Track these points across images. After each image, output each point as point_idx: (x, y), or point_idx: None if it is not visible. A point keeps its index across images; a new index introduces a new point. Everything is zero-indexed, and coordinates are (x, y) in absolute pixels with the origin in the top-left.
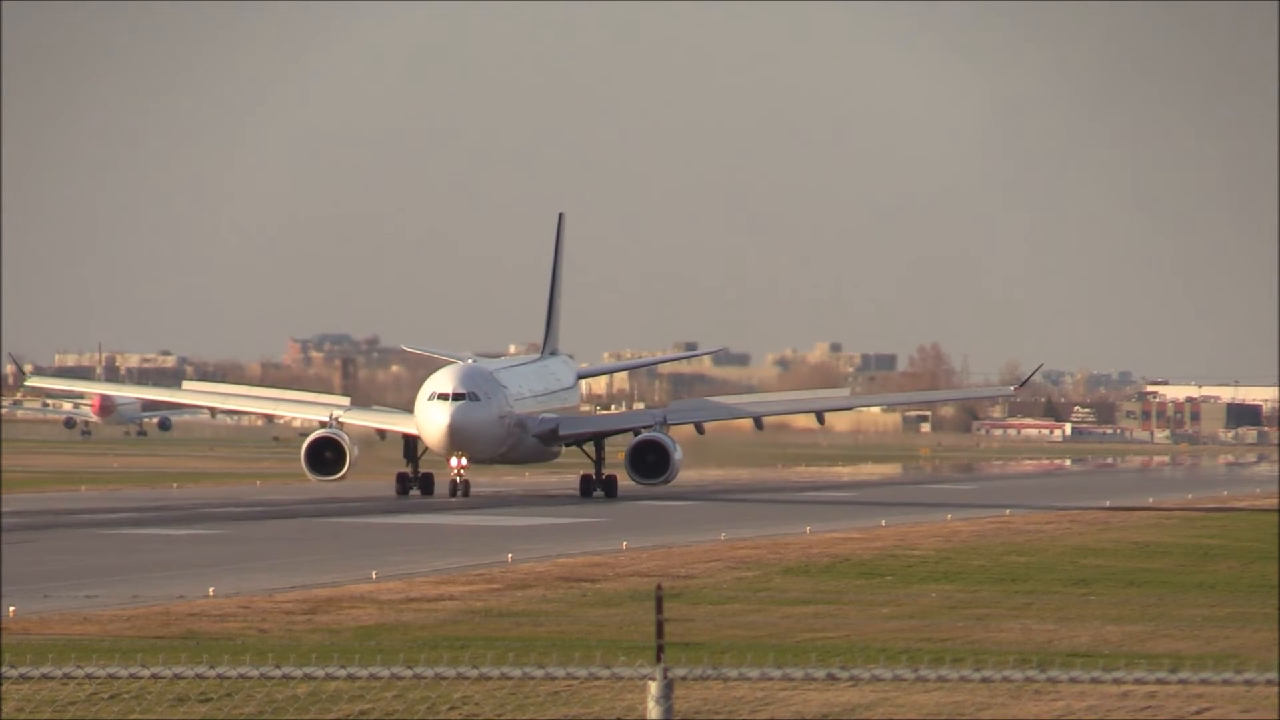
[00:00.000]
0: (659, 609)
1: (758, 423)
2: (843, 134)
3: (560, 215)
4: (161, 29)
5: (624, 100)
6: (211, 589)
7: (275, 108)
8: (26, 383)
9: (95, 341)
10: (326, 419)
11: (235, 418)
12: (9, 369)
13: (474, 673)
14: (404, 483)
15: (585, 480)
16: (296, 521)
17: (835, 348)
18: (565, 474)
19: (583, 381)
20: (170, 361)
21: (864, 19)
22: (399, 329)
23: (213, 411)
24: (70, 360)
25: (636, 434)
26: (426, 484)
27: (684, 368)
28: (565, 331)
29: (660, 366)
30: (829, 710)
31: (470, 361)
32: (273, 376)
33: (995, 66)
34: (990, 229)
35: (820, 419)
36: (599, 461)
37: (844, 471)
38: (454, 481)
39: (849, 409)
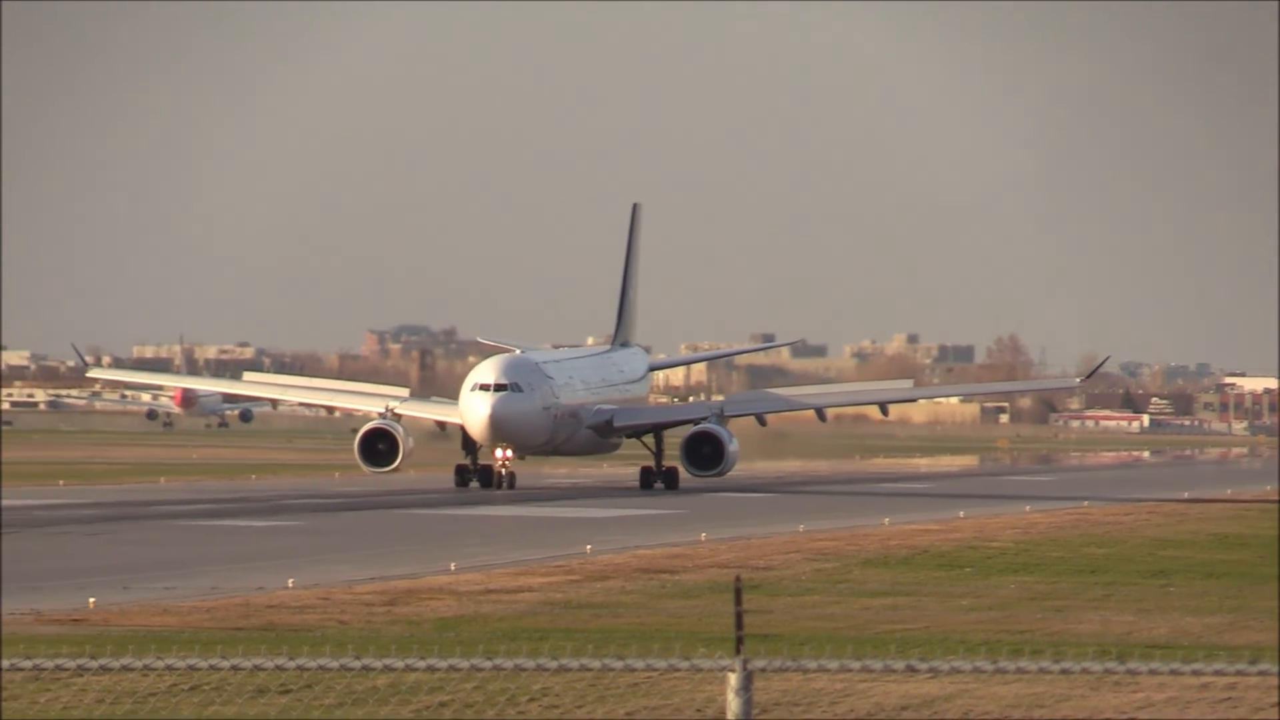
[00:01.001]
0: (738, 600)
1: (820, 414)
2: (921, 126)
3: (635, 206)
4: (224, 23)
5: (702, 92)
6: (291, 580)
7: (357, 98)
8: (88, 374)
9: (176, 333)
10: (383, 410)
11: (313, 410)
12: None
13: (553, 664)
14: (462, 475)
15: (645, 472)
16: (375, 513)
17: (913, 339)
18: (629, 466)
19: (659, 373)
20: (248, 353)
21: (933, 14)
22: (477, 320)
23: (274, 403)
24: (148, 352)
25: (695, 425)
26: (485, 476)
27: (761, 359)
28: (643, 323)
29: (738, 358)
30: (908, 702)
31: (518, 352)
32: (350, 368)
33: (1072, 56)
34: (1071, 221)
35: (884, 411)
36: (658, 453)
37: (922, 463)
38: (498, 473)
39: (911, 400)
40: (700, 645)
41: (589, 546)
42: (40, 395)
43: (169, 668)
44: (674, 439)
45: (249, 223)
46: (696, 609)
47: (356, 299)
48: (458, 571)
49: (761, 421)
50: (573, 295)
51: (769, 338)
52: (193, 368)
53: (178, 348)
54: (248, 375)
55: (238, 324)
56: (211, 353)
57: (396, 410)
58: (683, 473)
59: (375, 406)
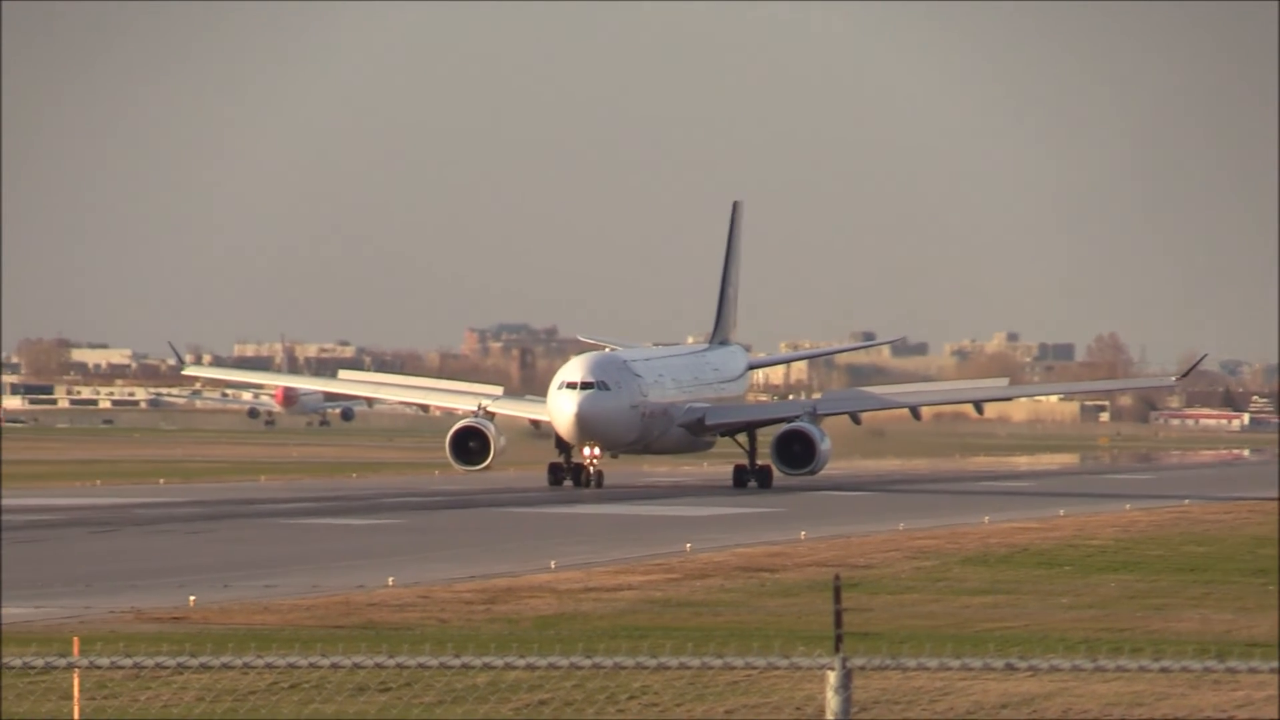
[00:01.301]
0: (837, 599)
1: (915, 413)
2: (1021, 123)
3: (735, 204)
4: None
5: (803, 90)
6: (391, 579)
7: (459, 98)
8: (183, 372)
9: (278, 332)
10: (475, 408)
11: (413, 408)
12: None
13: (653, 662)
14: (556, 473)
15: (739, 470)
16: (475, 511)
17: (1013, 337)
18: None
19: (760, 372)
20: (349, 352)
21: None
22: (578, 319)
23: (369, 401)
24: (249, 350)
25: (787, 424)
26: (579, 475)
27: (861, 358)
28: (743, 321)
29: (838, 357)
30: (1007, 700)
31: (607, 350)
32: (450, 367)
33: (1166, 54)
34: (1175, 218)
35: (979, 409)
36: (752, 452)
37: (1022, 461)
38: (586, 470)
39: (1006, 399)
40: (799, 643)
41: (689, 545)
42: (141, 394)
43: (269, 666)
44: (767, 437)
45: (350, 222)
46: (796, 607)
47: (457, 297)
48: (558, 570)
49: (856, 420)
50: (675, 293)
51: (869, 336)
52: (293, 366)
53: (279, 346)
54: (343, 373)
55: (339, 323)
56: (312, 351)
57: (489, 408)
58: (776, 471)
59: (469, 405)
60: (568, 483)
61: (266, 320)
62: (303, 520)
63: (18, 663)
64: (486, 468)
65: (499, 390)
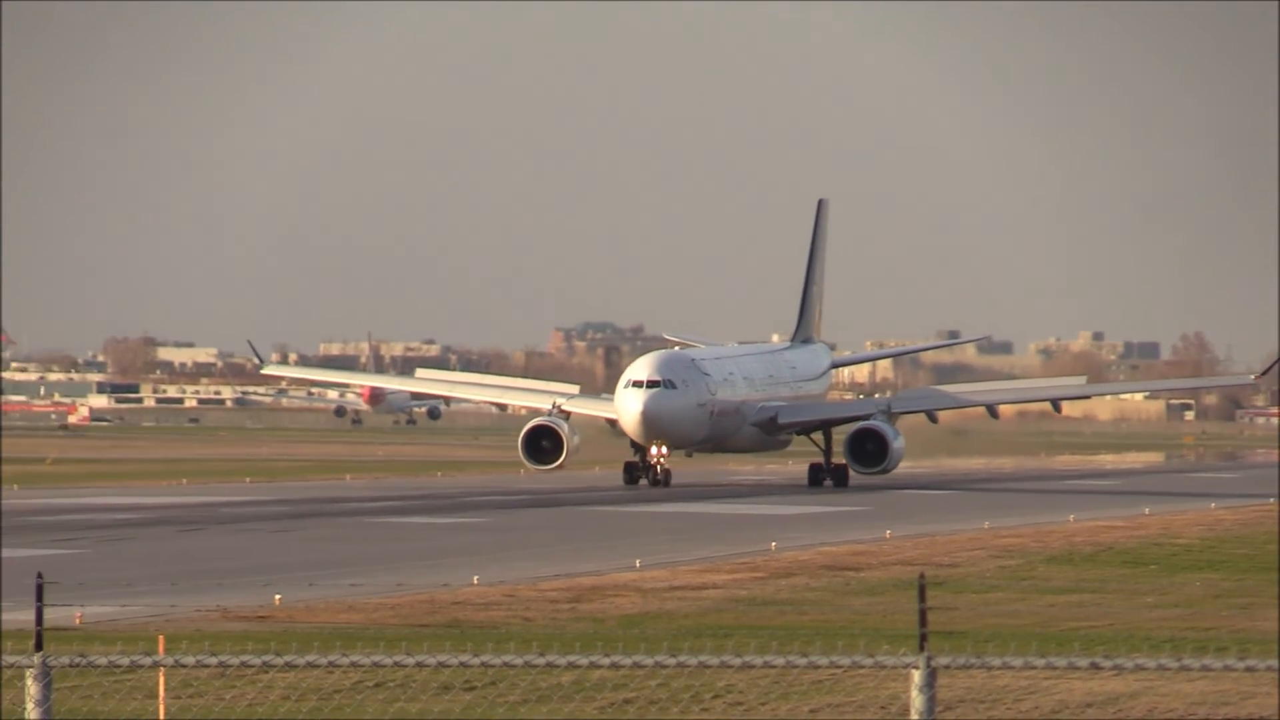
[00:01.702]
0: (922, 597)
1: (992, 411)
2: (1109, 123)
3: (820, 202)
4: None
5: (885, 88)
6: (476, 577)
7: (549, 97)
8: (262, 371)
9: (364, 331)
10: (549, 407)
11: (499, 407)
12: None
13: (737, 661)
14: (631, 471)
15: (814, 469)
16: (559, 510)
17: (1097, 336)
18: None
19: (844, 370)
20: (434, 350)
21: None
22: (664, 317)
23: (446, 400)
24: (335, 349)
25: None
26: (657, 471)
27: (946, 356)
28: (829, 320)
29: (924, 355)
30: (1092, 699)
31: (677, 349)
32: (536, 365)
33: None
34: (1261, 217)
35: (1057, 408)
36: (827, 451)
37: (1107, 460)
38: (654, 469)
39: (1085, 397)
40: (884, 642)
41: (774, 543)
42: (227, 392)
43: (354, 664)
44: (843, 436)
45: (437, 221)
46: (880, 606)
47: (544, 296)
48: (643, 568)
49: (933, 419)
50: (761, 292)
51: (955, 335)
52: (379, 365)
53: (364, 345)
54: (420, 372)
55: (425, 322)
56: (398, 350)
57: (564, 407)
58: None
59: (543, 403)
60: (643, 481)
61: (353, 319)
62: (388, 519)
63: (103, 661)
64: (559, 467)
65: (574, 389)
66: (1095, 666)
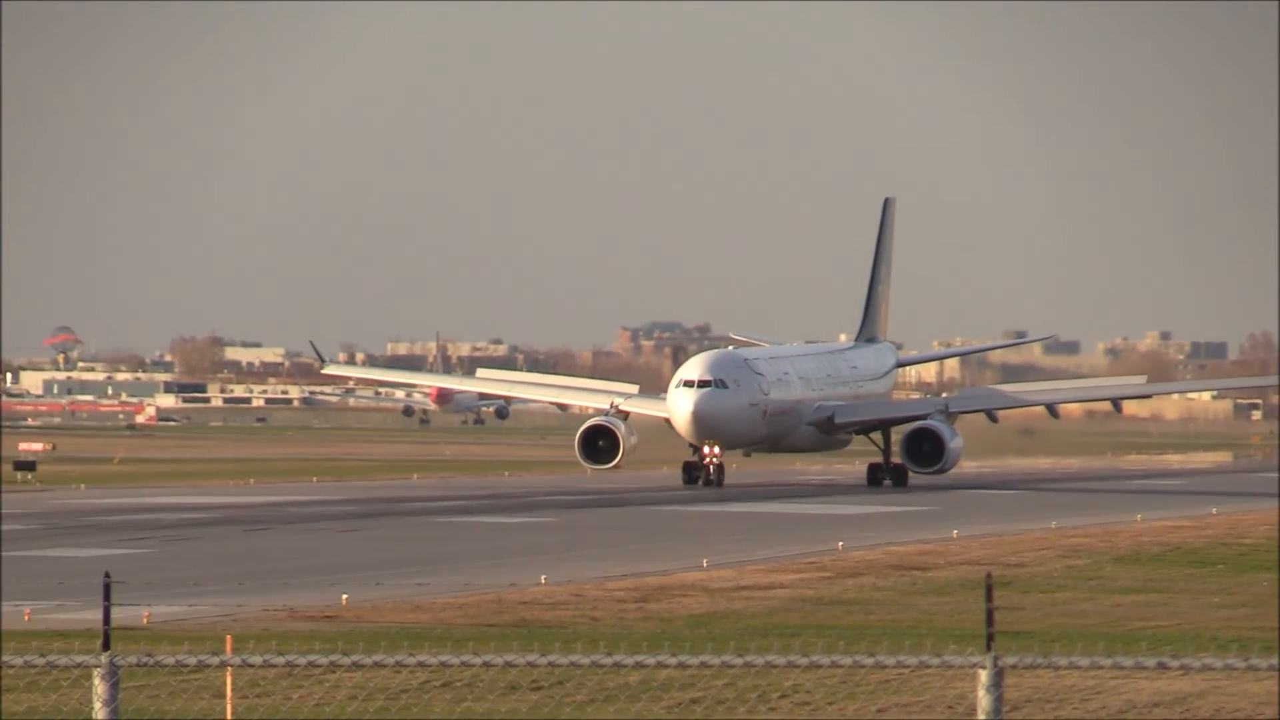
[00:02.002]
0: (989, 597)
1: (1052, 411)
2: (1177, 122)
3: (886, 201)
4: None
5: (953, 85)
6: (543, 577)
7: (611, 98)
8: (323, 370)
9: (432, 331)
10: (607, 407)
11: (560, 407)
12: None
13: (804, 661)
14: (690, 471)
15: (873, 469)
16: (626, 510)
17: (1165, 336)
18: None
19: (911, 369)
20: (501, 350)
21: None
22: (731, 317)
23: (506, 400)
24: (402, 349)
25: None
26: (717, 473)
27: (1013, 356)
28: (897, 319)
29: (992, 355)
30: (1160, 699)
31: (729, 349)
32: (603, 365)
33: None
34: None
35: (1118, 407)
36: (886, 450)
37: (1174, 459)
38: (706, 468)
39: (1145, 396)
40: (951, 642)
41: (841, 543)
42: (294, 392)
43: (421, 664)
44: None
45: (504, 220)
46: (947, 605)
47: (611, 296)
48: (710, 568)
49: (992, 418)
50: (829, 291)
51: (1021, 335)
52: (446, 365)
53: (432, 345)
54: (481, 372)
55: (492, 322)
56: (465, 350)
57: (622, 407)
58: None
59: (601, 403)
60: (702, 481)
61: (421, 319)
62: (455, 518)
63: (170, 660)
64: (615, 466)
65: (633, 389)
66: (1162, 666)
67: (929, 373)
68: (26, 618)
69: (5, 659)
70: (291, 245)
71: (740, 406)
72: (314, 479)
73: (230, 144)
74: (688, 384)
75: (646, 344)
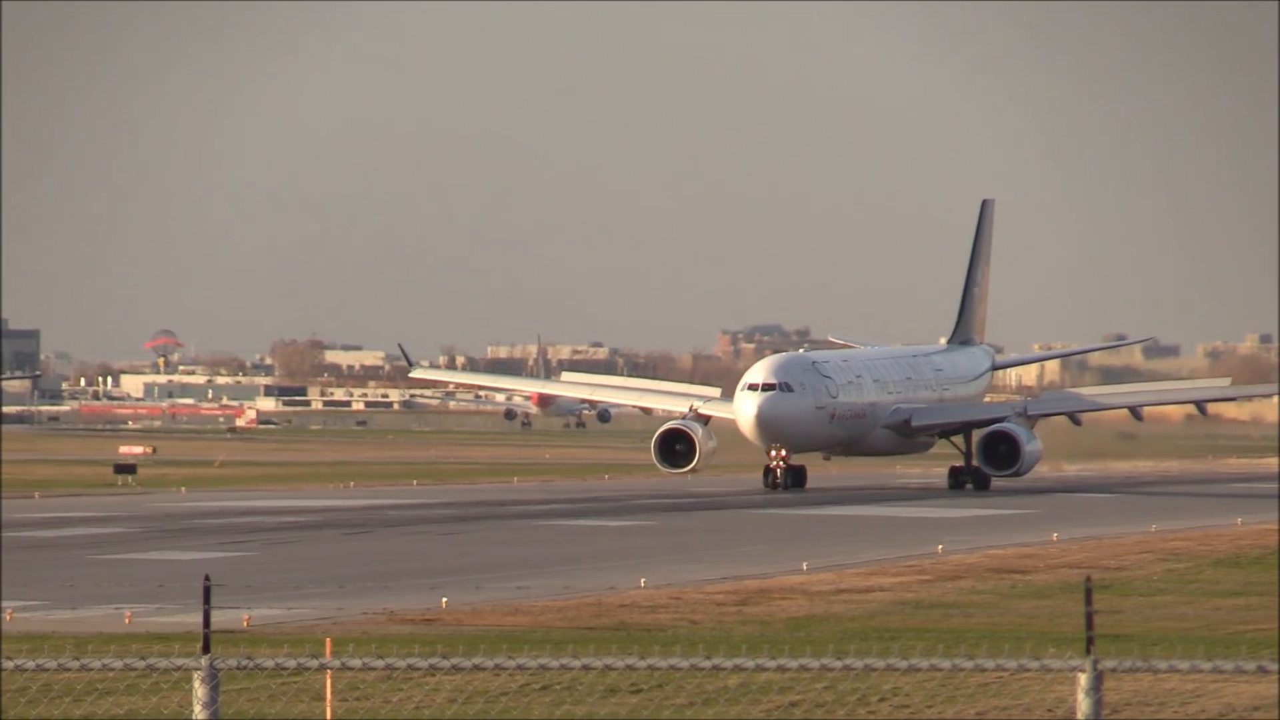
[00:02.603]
0: (1088, 601)
1: (1134, 413)
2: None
3: (984, 203)
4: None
5: (1051, 85)
6: (643, 580)
7: (714, 100)
8: (411, 374)
9: (534, 334)
10: (686, 410)
11: (644, 411)
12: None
13: (903, 664)
14: (769, 475)
15: (954, 471)
16: (726, 513)
17: (1265, 339)
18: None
19: (1012, 372)
20: (602, 353)
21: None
22: (832, 319)
23: (591, 404)
24: (502, 352)
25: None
26: (795, 477)
27: (1112, 359)
28: (999, 322)
29: (1091, 357)
30: (1259, 703)
31: (803, 350)
32: (703, 368)
33: None
34: None
35: (1202, 410)
36: (967, 453)
37: (1275, 463)
38: (774, 472)
39: (1229, 399)
40: (1050, 645)
41: (940, 546)
42: (394, 395)
43: (520, 667)
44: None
45: (606, 224)
46: (1047, 609)
47: (712, 299)
48: (810, 571)
49: (1075, 420)
50: (926, 294)
51: (1121, 337)
52: (546, 368)
53: (532, 348)
54: (565, 375)
55: (593, 324)
56: (565, 353)
57: (703, 410)
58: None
59: (681, 406)
60: (772, 484)
61: (522, 322)
62: (555, 521)
63: (270, 663)
64: (692, 470)
65: (716, 392)
66: (1262, 670)
67: (1030, 375)
68: (128, 620)
69: (106, 661)
70: (392, 247)
71: (805, 409)
72: (414, 482)
73: (329, 149)
74: (752, 387)
75: (747, 347)
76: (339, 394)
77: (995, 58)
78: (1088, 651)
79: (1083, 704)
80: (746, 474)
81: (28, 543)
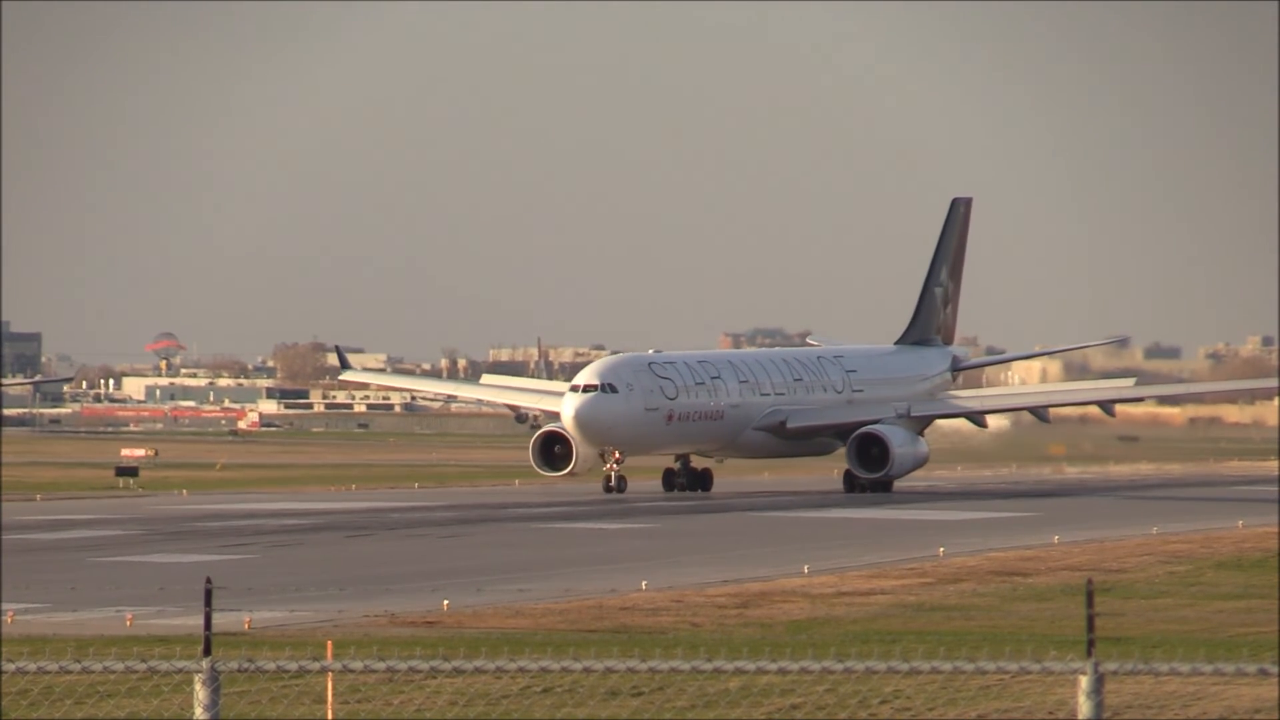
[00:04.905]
0: (1089, 603)
1: (1038, 415)
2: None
3: (954, 201)
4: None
5: (1050, 88)
6: (644, 582)
7: (721, 107)
8: (341, 377)
9: (534, 336)
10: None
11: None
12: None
13: (904, 667)
14: (670, 478)
15: (848, 474)
16: (728, 515)
17: (1267, 341)
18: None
19: (1015, 373)
20: (603, 355)
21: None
22: (834, 323)
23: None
24: (504, 355)
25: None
26: (694, 479)
27: (1114, 360)
28: (996, 322)
29: (1093, 358)
30: (1261, 705)
31: (651, 352)
32: None
33: None
34: None
35: (1109, 411)
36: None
37: (1276, 465)
38: (607, 476)
39: (1137, 400)
40: (1051, 648)
41: (941, 549)
42: (396, 397)
43: (521, 670)
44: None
45: (609, 226)
46: (1048, 612)
47: (715, 301)
48: (811, 574)
49: (978, 422)
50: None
51: (1124, 340)
52: (549, 370)
53: (533, 350)
54: (486, 378)
55: (595, 326)
56: (567, 355)
57: None
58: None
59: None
60: (604, 487)
61: (524, 324)
62: (556, 524)
63: (271, 666)
64: (570, 473)
65: None
66: (1264, 673)
67: (1033, 376)
68: (129, 623)
69: (107, 664)
70: (394, 250)
71: (632, 411)
72: (416, 485)
73: (330, 151)
74: (574, 389)
75: (749, 349)
76: (341, 396)
77: (995, 57)
78: (1089, 654)
79: (1084, 706)
80: (749, 475)
81: (29, 545)
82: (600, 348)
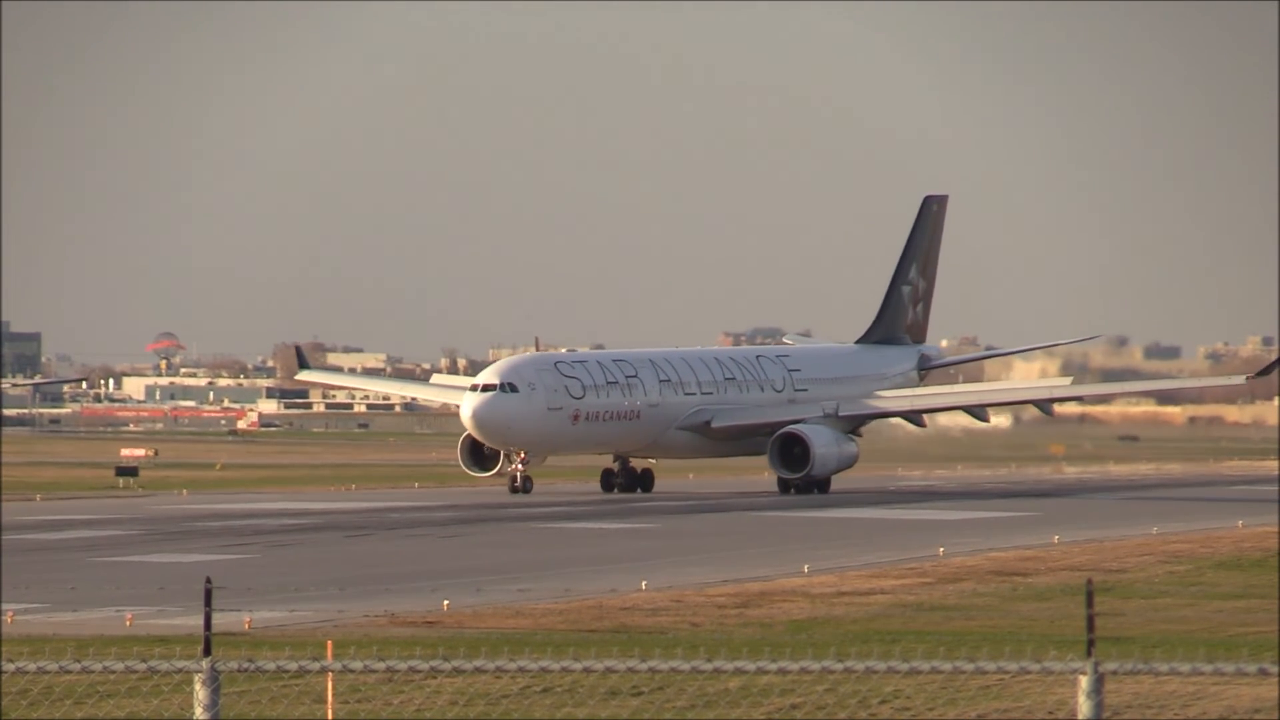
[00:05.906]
0: (1089, 603)
1: (976, 414)
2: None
3: (926, 199)
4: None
5: (1051, 87)
6: (644, 582)
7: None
8: (297, 376)
9: (532, 336)
10: None
11: None
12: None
13: (904, 666)
14: (608, 478)
15: (782, 479)
16: (729, 515)
17: (1267, 341)
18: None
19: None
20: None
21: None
22: (833, 322)
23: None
24: (504, 354)
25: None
26: (634, 479)
27: (1114, 361)
28: (991, 320)
29: (1093, 357)
30: (1260, 705)
31: (563, 350)
32: None
33: None
34: None
35: (1047, 410)
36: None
37: (1276, 465)
38: (512, 476)
39: (1075, 399)
40: (1051, 648)
41: (941, 549)
42: (396, 397)
43: (521, 670)
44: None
45: (608, 226)
46: (1048, 611)
47: (714, 301)
48: (811, 574)
49: (916, 422)
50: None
51: (1123, 340)
52: None
53: (531, 350)
54: (436, 378)
55: (594, 325)
56: (562, 354)
57: None
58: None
59: None
60: (510, 487)
61: (522, 324)
62: (556, 524)
63: (271, 666)
64: (497, 474)
65: None
66: (1263, 672)
67: (1032, 376)
68: (129, 623)
69: (107, 664)
70: (393, 250)
71: (534, 411)
72: (415, 485)
73: (330, 151)
74: (473, 388)
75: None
76: (341, 396)
77: (995, 58)
78: (1089, 654)
79: (1084, 706)
80: (749, 475)
81: (29, 545)
82: (599, 347)
